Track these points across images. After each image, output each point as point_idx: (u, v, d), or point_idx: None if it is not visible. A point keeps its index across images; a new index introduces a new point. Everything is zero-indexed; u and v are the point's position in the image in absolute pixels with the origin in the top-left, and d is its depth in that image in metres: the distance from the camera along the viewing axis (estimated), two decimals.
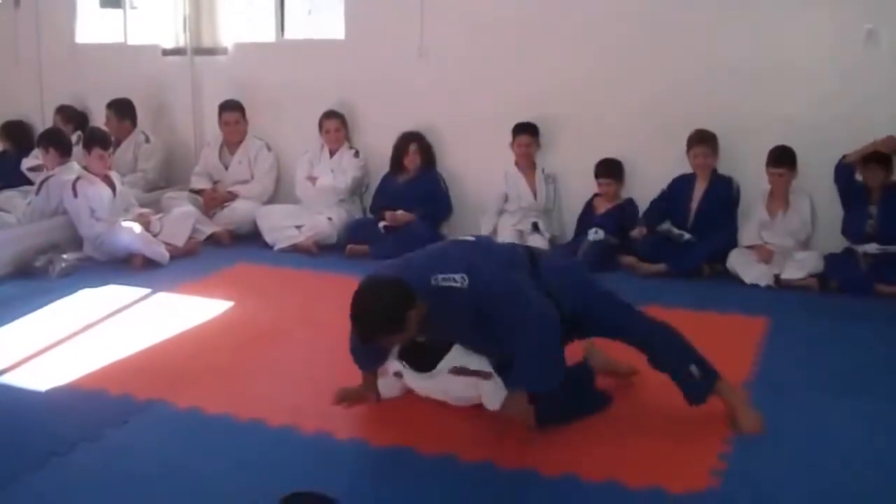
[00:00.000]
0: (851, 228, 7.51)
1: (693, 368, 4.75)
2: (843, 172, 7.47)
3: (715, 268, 7.74)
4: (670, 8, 8.07)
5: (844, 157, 7.42)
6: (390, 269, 4.62)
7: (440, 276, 4.46)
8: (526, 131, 8.48)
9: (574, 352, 4.91)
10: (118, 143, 9.59)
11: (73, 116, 10.21)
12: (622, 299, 4.92)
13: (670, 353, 4.79)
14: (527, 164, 8.54)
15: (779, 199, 7.70)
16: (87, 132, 8.85)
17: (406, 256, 4.78)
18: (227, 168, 9.57)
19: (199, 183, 9.58)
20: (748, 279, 7.50)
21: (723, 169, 7.93)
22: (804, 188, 7.68)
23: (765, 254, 7.58)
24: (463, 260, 4.59)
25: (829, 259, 7.46)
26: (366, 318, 4.34)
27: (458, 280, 4.46)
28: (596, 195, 8.39)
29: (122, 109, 9.93)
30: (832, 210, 7.63)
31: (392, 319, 4.31)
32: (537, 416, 4.51)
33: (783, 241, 7.61)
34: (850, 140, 7.39)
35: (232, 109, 9.48)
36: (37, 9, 10.67)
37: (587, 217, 8.35)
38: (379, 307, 4.31)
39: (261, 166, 9.53)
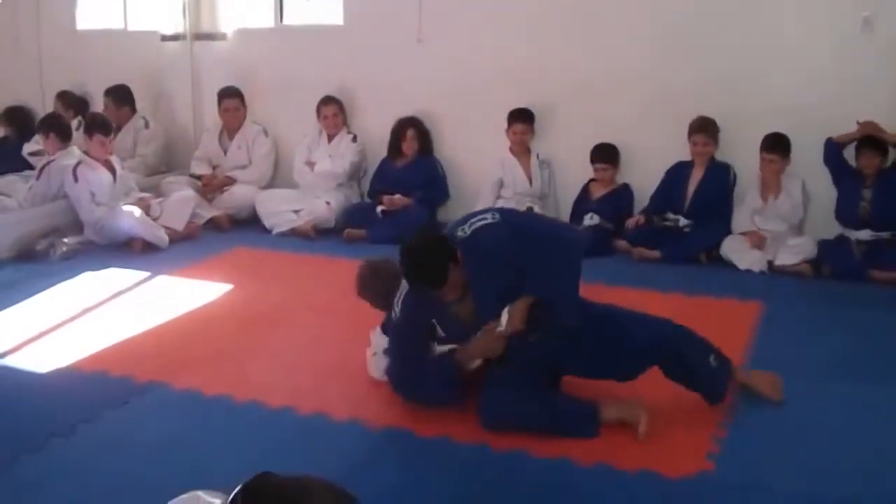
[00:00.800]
0: (844, 212, 7.51)
1: (712, 359, 4.78)
2: (832, 151, 7.50)
3: (711, 255, 7.75)
4: None
5: (830, 138, 7.46)
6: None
7: (467, 224, 4.56)
8: (521, 119, 8.50)
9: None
10: (118, 129, 9.61)
11: (73, 102, 10.24)
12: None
13: (693, 346, 4.78)
14: (522, 150, 8.56)
15: (771, 184, 7.71)
16: (88, 118, 8.90)
17: None
18: (225, 153, 9.61)
19: (199, 168, 9.61)
20: (742, 265, 7.52)
21: (718, 153, 7.95)
22: (797, 173, 7.69)
23: (757, 239, 7.58)
24: (489, 209, 4.76)
25: (823, 245, 7.46)
26: (414, 267, 4.51)
27: (489, 216, 4.58)
28: (591, 180, 8.41)
29: (120, 96, 9.96)
30: (826, 194, 7.65)
31: (436, 271, 4.46)
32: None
33: (775, 227, 7.63)
34: (845, 124, 7.41)
35: (231, 96, 9.51)
36: None
37: (583, 202, 8.38)
38: (423, 259, 4.49)
39: (258, 151, 9.56)
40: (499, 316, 4.50)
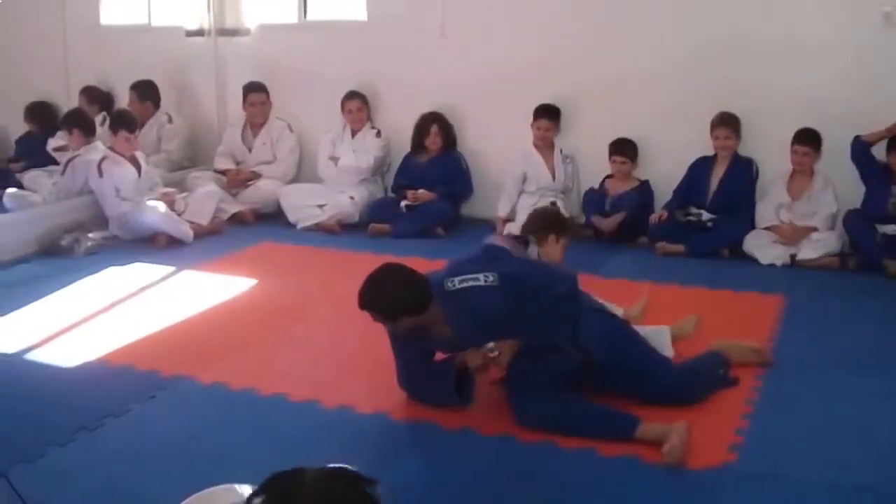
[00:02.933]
0: (873, 208, 7.45)
1: (721, 371, 4.96)
2: (858, 149, 7.44)
3: (733, 249, 7.74)
4: None
5: (858, 137, 7.41)
6: None
7: (458, 278, 4.53)
8: (546, 115, 8.47)
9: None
10: (142, 125, 9.67)
11: (97, 98, 10.27)
12: (656, 353, 4.93)
13: (709, 379, 4.89)
14: (545, 144, 8.54)
15: (802, 179, 7.68)
16: (114, 114, 8.94)
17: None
18: (250, 150, 9.61)
19: (223, 163, 9.62)
20: (765, 260, 7.51)
21: (739, 150, 7.93)
22: (822, 167, 7.67)
23: (788, 233, 7.56)
24: (481, 262, 4.71)
25: (852, 229, 7.47)
26: (386, 293, 4.48)
27: (482, 278, 4.52)
28: (608, 176, 8.40)
29: (145, 91, 9.99)
30: (849, 188, 7.60)
31: (414, 299, 4.42)
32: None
33: (805, 222, 7.59)
34: (867, 118, 7.38)
35: (258, 91, 9.51)
36: None
37: (599, 198, 8.32)
38: (399, 287, 4.46)
39: (283, 147, 9.57)
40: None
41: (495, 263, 4.67)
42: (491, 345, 4.50)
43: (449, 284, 4.51)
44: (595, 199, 8.32)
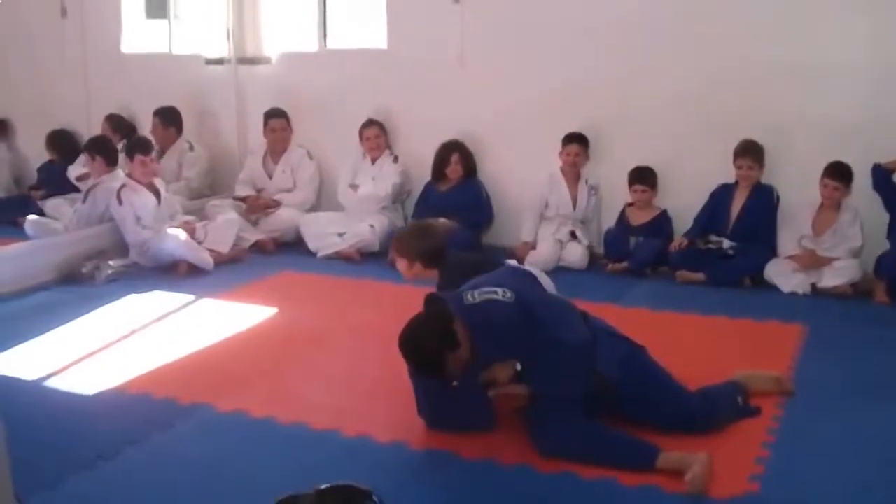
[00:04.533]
0: None
1: (739, 400, 4.94)
2: (880, 177, 7.42)
3: (754, 278, 7.70)
4: (711, 15, 8.06)
5: (878, 165, 7.39)
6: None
7: (477, 291, 4.54)
8: (576, 141, 8.45)
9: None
10: (164, 151, 9.78)
11: (120, 126, 10.31)
12: (673, 380, 4.86)
13: (727, 408, 4.88)
14: (572, 172, 8.54)
15: (829, 213, 7.62)
16: (129, 141, 8.96)
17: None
18: (270, 177, 9.63)
19: (243, 190, 9.63)
20: (786, 289, 7.48)
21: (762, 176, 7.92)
22: (852, 201, 7.63)
23: (807, 261, 7.52)
24: (500, 279, 4.73)
25: (879, 259, 7.41)
26: (414, 358, 4.52)
27: (500, 293, 4.53)
28: (629, 205, 8.39)
29: (169, 117, 10.03)
30: (871, 214, 7.58)
31: (434, 361, 4.43)
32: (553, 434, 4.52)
33: (831, 254, 7.53)
34: (889, 146, 7.39)
35: (278, 116, 9.54)
36: (83, 19, 10.79)
37: (622, 230, 8.34)
38: (421, 349, 4.45)
39: (303, 174, 9.58)
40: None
41: (513, 282, 4.70)
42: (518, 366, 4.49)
43: (469, 298, 4.52)
44: (615, 242, 8.33)
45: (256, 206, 9.42)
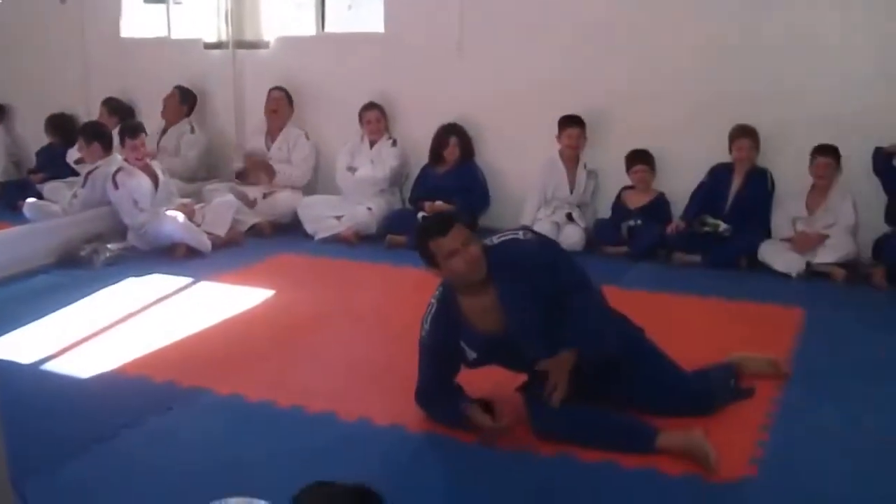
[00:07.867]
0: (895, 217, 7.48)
1: (731, 383, 4.96)
2: (880, 161, 7.42)
3: (751, 260, 7.71)
4: (709, 5, 8.09)
5: (879, 148, 7.39)
6: None
7: (495, 237, 4.61)
8: (575, 123, 8.43)
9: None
10: (167, 128, 9.93)
11: (117, 109, 10.32)
12: (668, 359, 4.84)
13: (721, 389, 4.89)
14: (571, 156, 8.53)
15: (821, 192, 7.64)
16: (120, 126, 8.94)
17: None
18: (269, 152, 9.67)
19: (240, 160, 9.77)
20: (780, 267, 7.49)
21: (758, 161, 7.93)
22: (843, 180, 7.63)
23: (805, 243, 7.52)
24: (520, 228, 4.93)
25: (879, 242, 7.45)
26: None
27: (521, 233, 4.66)
28: (625, 188, 8.41)
29: (187, 96, 10.20)
30: (870, 199, 7.58)
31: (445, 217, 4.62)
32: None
33: (824, 231, 7.56)
34: (887, 131, 7.38)
35: (277, 89, 9.63)
36: (82, 4, 10.79)
37: (620, 213, 8.37)
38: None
39: (298, 154, 9.59)
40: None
41: (532, 231, 4.93)
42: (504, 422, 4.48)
43: (488, 242, 4.54)
44: (608, 231, 8.36)
45: (256, 166, 9.49)
